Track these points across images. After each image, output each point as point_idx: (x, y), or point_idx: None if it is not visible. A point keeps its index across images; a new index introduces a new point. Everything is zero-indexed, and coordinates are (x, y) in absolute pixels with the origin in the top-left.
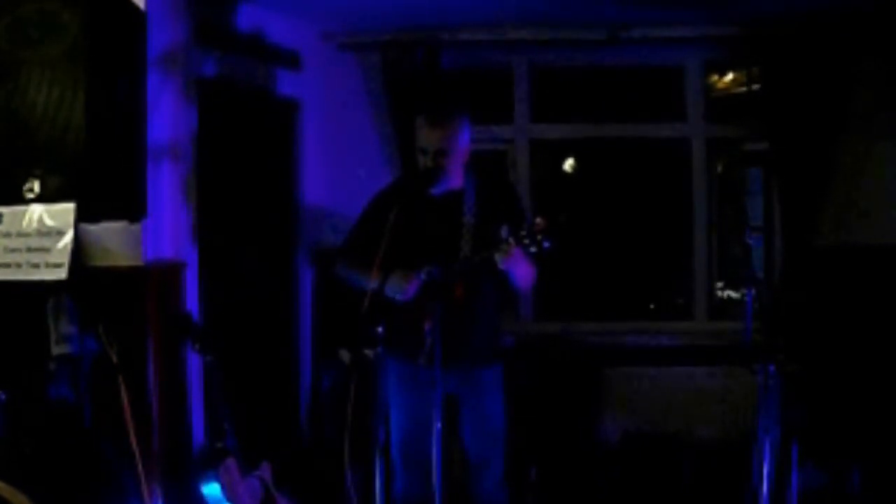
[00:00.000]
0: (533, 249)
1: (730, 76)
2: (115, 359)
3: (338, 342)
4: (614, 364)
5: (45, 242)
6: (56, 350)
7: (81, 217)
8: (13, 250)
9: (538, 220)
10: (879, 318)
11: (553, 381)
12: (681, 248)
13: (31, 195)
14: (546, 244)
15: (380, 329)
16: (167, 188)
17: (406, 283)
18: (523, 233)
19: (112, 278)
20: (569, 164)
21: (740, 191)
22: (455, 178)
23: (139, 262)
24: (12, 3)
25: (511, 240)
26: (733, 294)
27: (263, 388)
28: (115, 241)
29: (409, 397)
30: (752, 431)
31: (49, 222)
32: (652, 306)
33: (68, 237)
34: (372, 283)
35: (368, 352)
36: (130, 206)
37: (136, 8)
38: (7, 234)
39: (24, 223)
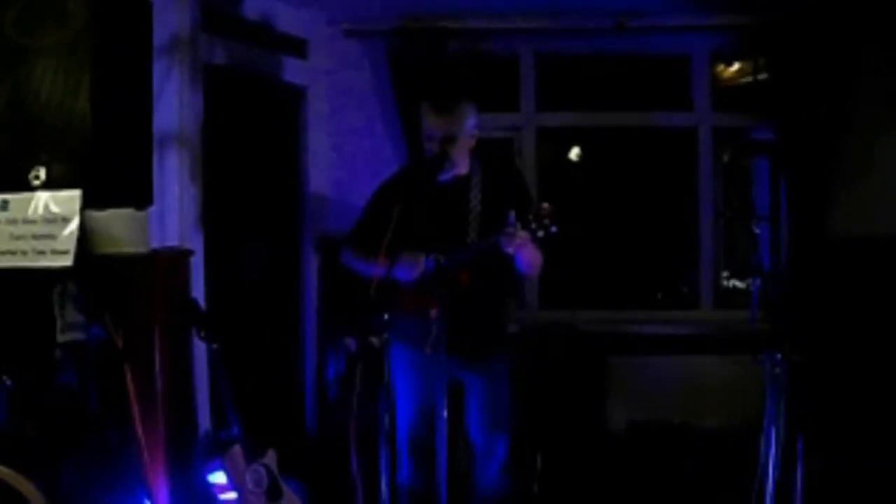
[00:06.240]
0: (540, 234)
1: (736, 65)
2: (120, 346)
3: (343, 330)
4: (620, 353)
5: (51, 229)
6: (62, 337)
7: (87, 204)
8: (19, 237)
9: (545, 204)
10: (886, 308)
11: (558, 369)
12: (687, 237)
13: (37, 182)
14: (553, 229)
15: (385, 316)
16: (173, 175)
17: (414, 262)
18: (530, 217)
19: (118, 265)
20: (575, 154)
21: (747, 180)
22: (461, 165)
23: (145, 250)
24: None
25: (518, 224)
26: (739, 284)
27: (269, 376)
28: (121, 228)
29: (414, 384)
30: (758, 421)
31: (55, 209)
32: (658, 295)
33: (74, 224)
34: (378, 271)
35: (374, 339)
36: (136, 193)
37: None
38: (13, 221)
39: (30, 210)
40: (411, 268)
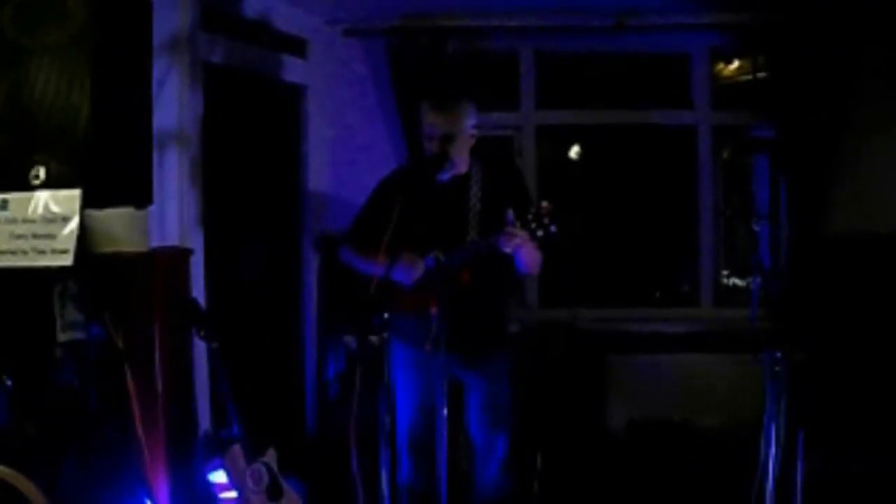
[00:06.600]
0: (539, 233)
1: (736, 64)
2: (120, 345)
3: (343, 328)
4: (620, 351)
5: (51, 229)
6: (62, 337)
7: (87, 203)
8: (19, 237)
9: (544, 203)
10: (886, 306)
11: (558, 368)
12: (687, 235)
13: (36, 181)
14: (552, 228)
15: (385, 315)
16: (173, 174)
17: (413, 266)
18: (530, 217)
19: (118, 265)
20: (574, 152)
21: (746, 178)
22: (461, 164)
23: (145, 249)
24: None
25: (517, 223)
26: (739, 282)
27: (269, 375)
28: (121, 227)
29: (415, 383)
30: (758, 420)
31: (54, 209)
32: (658, 294)
33: (74, 223)
34: (378, 269)
35: (374, 338)
36: (136, 192)
37: None
38: (13, 221)
39: (30, 210)
40: (409, 272)
